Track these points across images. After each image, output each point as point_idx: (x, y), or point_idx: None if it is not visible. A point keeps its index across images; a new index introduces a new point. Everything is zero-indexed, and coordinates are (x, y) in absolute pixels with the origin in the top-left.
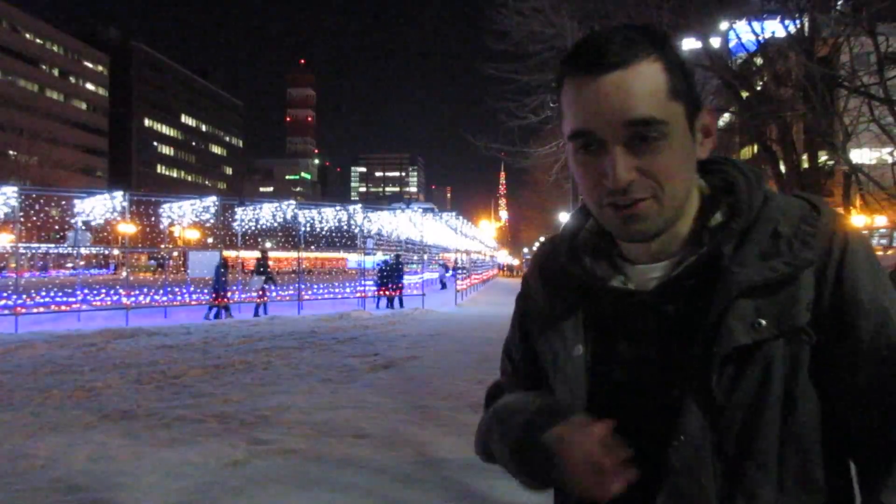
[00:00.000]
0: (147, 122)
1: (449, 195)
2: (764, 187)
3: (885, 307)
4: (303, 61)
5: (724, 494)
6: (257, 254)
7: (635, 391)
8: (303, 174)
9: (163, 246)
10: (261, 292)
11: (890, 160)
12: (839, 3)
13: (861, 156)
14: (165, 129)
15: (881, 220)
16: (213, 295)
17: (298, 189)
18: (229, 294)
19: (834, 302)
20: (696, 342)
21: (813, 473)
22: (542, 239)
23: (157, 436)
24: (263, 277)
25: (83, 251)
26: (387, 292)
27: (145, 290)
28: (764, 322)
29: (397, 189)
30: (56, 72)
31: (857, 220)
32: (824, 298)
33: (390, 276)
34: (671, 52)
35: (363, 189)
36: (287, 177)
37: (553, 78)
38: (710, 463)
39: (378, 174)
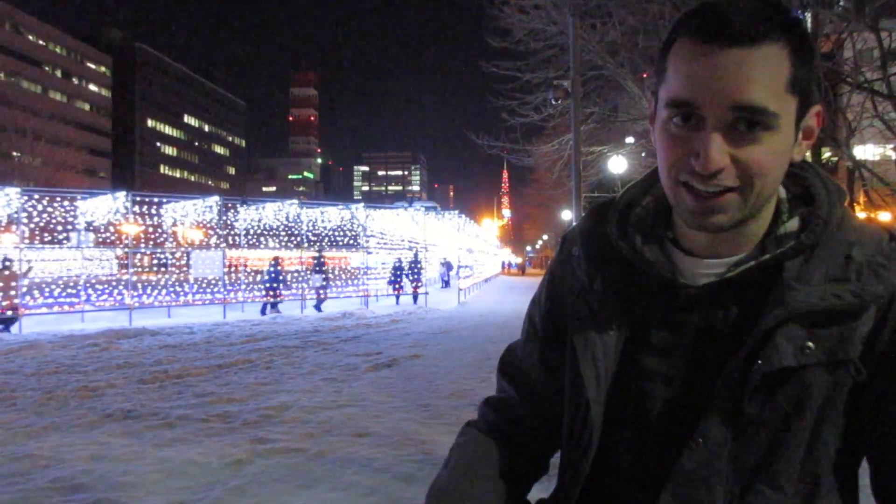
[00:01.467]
0: (150, 123)
1: (452, 194)
2: (843, 205)
3: None
4: (305, 61)
5: (735, 501)
6: (312, 253)
7: (662, 382)
8: (305, 173)
9: (167, 245)
10: (321, 289)
11: (894, 156)
12: None
13: (865, 152)
14: (168, 130)
15: (885, 217)
16: (267, 291)
17: (301, 188)
18: (281, 291)
19: (893, 342)
20: (739, 351)
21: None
22: (586, 205)
23: (160, 435)
24: (322, 276)
25: (87, 252)
26: (406, 288)
27: (149, 290)
28: (814, 347)
29: (400, 188)
30: (59, 73)
31: (861, 216)
32: (883, 335)
33: (412, 272)
34: (802, 38)
35: (366, 188)
36: (290, 176)
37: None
38: (724, 472)
39: (381, 173)
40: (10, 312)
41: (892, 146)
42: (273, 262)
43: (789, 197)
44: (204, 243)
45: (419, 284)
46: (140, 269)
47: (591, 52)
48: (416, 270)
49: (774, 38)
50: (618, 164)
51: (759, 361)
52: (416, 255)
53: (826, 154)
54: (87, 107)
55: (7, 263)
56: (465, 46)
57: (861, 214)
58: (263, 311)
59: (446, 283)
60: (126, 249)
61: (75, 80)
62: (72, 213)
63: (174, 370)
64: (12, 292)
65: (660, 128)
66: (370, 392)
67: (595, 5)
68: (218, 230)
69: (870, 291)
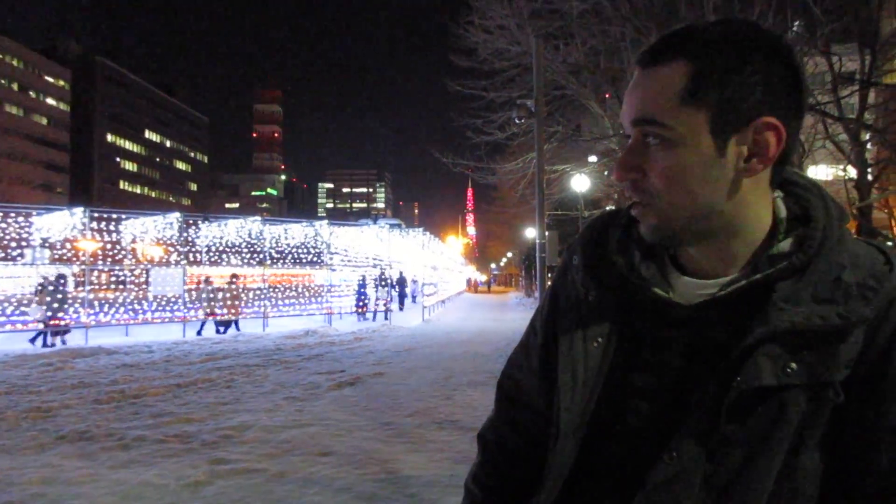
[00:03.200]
0: (110, 138)
1: (416, 211)
2: (843, 226)
3: None
4: (269, 77)
5: None
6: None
7: (648, 399)
8: (269, 190)
9: (126, 262)
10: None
11: (846, 176)
12: (795, 24)
13: (818, 172)
14: (129, 145)
15: None
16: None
17: (265, 205)
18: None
19: (877, 367)
20: (719, 368)
21: None
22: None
23: (115, 457)
24: (388, 288)
25: (42, 269)
26: (371, 306)
27: (106, 307)
28: (796, 367)
29: (365, 205)
30: (15, 86)
31: None
32: (867, 360)
33: (396, 288)
34: (712, 54)
35: (330, 205)
36: (253, 193)
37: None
38: (694, 490)
39: (345, 190)
40: None
41: (842, 167)
42: (361, 281)
43: (789, 217)
44: (164, 260)
45: (390, 301)
46: (97, 287)
47: (554, 73)
48: (386, 287)
49: (676, 56)
50: (581, 183)
51: (738, 379)
52: (382, 273)
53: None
54: (44, 121)
55: None
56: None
57: None
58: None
59: (402, 301)
60: (83, 266)
61: (32, 94)
62: (27, 229)
63: (131, 390)
64: None
65: None
66: (333, 411)
67: (558, 27)
68: (178, 247)
69: (857, 314)
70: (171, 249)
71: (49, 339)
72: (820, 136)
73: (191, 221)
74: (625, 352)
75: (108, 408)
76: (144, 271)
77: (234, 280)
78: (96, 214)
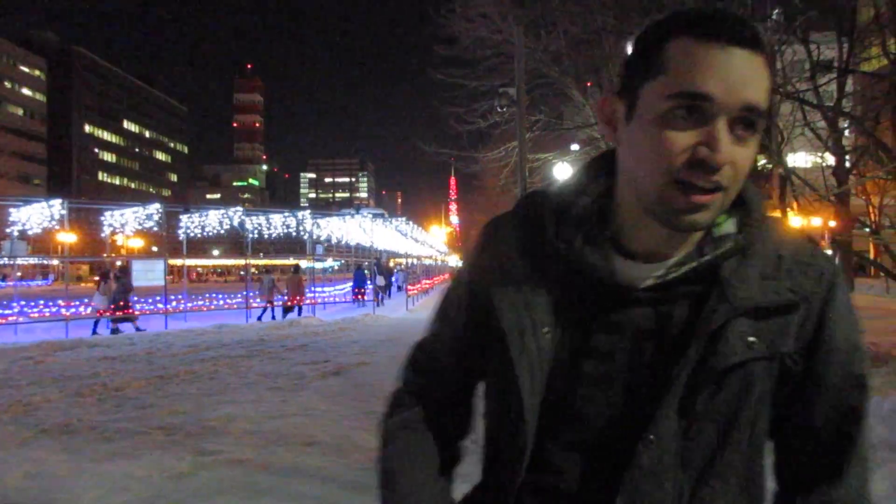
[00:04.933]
0: (88, 129)
1: (399, 200)
2: (767, 208)
3: (857, 347)
4: (250, 66)
5: (684, 499)
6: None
7: (601, 385)
8: (251, 180)
9: (104, 255)
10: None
11: (824, 164)
12: (774, 12)
13: (797, 160)
14: (107, 136)
15: (816, 221)
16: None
17: (246, 196)
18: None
19: (816, 335)
20: (688, 350)
21: (757, 486)
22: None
23: (98, 450)
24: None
25: (20, 261)
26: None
27: (86, 300)
28: (757, 341)
29: (347, 195)
30: None
31: (794, 221)
32: (806, 330)
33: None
34: (769, 51)
35: (313, 195)
36: (234, 183)
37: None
38: (672, 470)
39: (328, 180)
40: None
41: (820, 154)
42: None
43: None
44: (145, 251)
45: (388, 289)
46: (78, 280)
47: (536, 61)
48: (383, 275)
49: (763, 49)
50: (563, 171)
51: (712, 358)
52: (377, 262)
53: (761, 162)
54: (20, 111)
55: None
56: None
57: (795, 219)
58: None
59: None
60: (62, 259)
61: (8, 84)
62: (4, 221)
63: (113, 383)
64: None
65: (652, 122)
66: (318, 401)
67: (540, 15)
68: (160, 238)
69: (803, 289)
70: (153, 241)
71: (111, 326)
72: (799, 124)
73: (172, 212)
74: (574, 339)
75: (90, 401)
76: (126, 263)
77: (296, 270)
78: (74, 206)
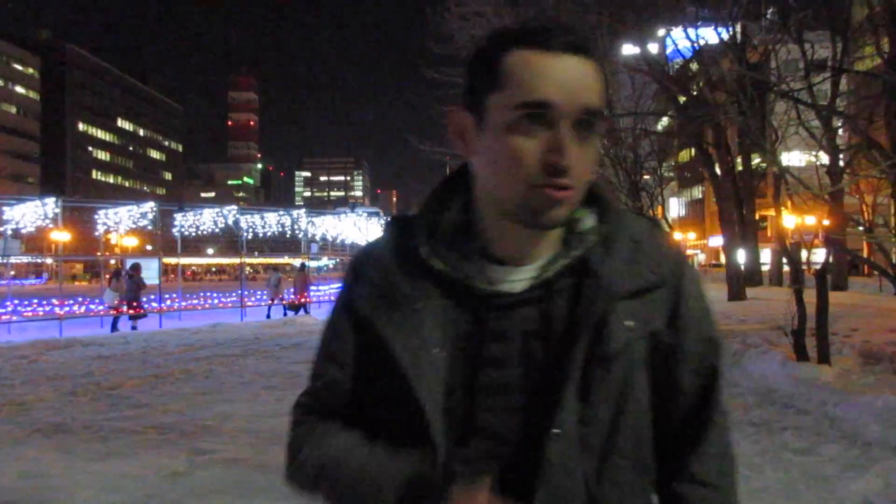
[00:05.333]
0: (82, 127)
1: (395, 199)
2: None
3: (707, 311)
4: (244, 65)
5: (594, 484)
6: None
7: (500, 392)
8: (245, 179)
9: (98, 254)
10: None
11: (818, 162)
12: (768, 12)
13: (791, 158)
14: (101, 134)
15: (810, 220)
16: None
17: (241, 194)
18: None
19: (675, 309)
20: (577, 342)
21: (647, 456)
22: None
23: (93, 449)
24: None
25: (13, 260)
26: None
27: (80, 299)
28: (634, 324)
29: (342, 193)
30: None
31: (789, 220)
32: (669, 306)
33: None
34: (601, 57)
35: (308, 194)
36: (229, 182)
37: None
38: (577, 457)
39: (323, 178)
40: None
41: (814, 153)
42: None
43: None
44: (139, 250)
45: None
46: (71, 278)
47: None
48: None
49: (593, 54)
50: None
51: (599, 347)
52: None
53: (756, 161)
54: (13, 109)
55: None
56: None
57: (790, 217)
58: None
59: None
60: (56, 258)
61: (1, 82)
62: None
63: (107, 382)
64: None
65: (502, 132)
66: None
67: (534, 13)
68: (155, 237)
69: (663, 269)
70: (147, 239)
71: (121, 324)
72: (793, 123)
73: (166, 211)
74: (467, 352)
75: (84, 400)
76: (119, 262)
77: (303, 268)
78: (69, 204)
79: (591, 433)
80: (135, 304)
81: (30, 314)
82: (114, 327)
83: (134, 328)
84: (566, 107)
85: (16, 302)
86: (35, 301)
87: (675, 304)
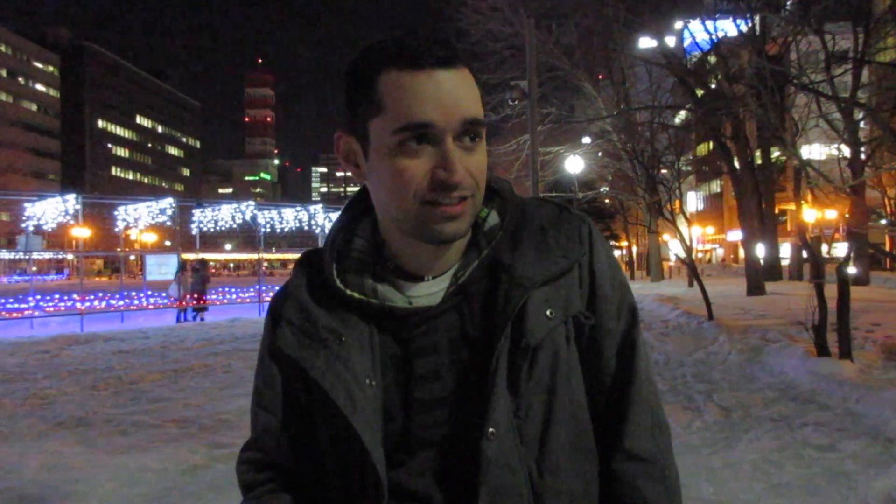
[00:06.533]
0: (101, 124)
1: None
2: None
3: (623, 283)
4: (261, 61)
5: (536, 477)
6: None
7: (438, 406)
8: (262, 175)
9: (118, 249)
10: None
11: (839, 155)
12: (788, 3)
13: (812, 151)
14: (120, 131)
15: (830, 214)
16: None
17: (258, 190)
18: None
19: (591, 288)
20: (499, 339)
21: (588, 441)
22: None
23: (114, 442)
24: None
25: (35, 256)
26: None
27: (100, 294)
28: (552, 312)
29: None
30: (4, 72)
31: (809, 213)
32: (585, 286)
33: None
34: (473, 64)
35: (324, 189)
36: (246, 177)
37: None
38: (516, 452)
39: (339, 174)
40: None
41: (836, 146)
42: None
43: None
44: (158, 246)
45: None
46: (92, 274)
47: (547, 54)
48: None
49: (463, 62)
50: (574, 164)
51: (522, 340)
52: None
53: (775, 154)
54: (34, 107)
55: None
56: None
57: (810, 211)
58: (185, 318)
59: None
60: (77, 254)
61: (21, 80)
62: (19, 216)
63: (128, 376)
64: None
65: (390, 157)
66: None
67: (551, 7)
68: (173, 232)
69: (574, 253)
70: (165, 235)
71: (187, 316)
72: (813, 115)
73: (185, 207)
74: (398, 374)
75: (105, 394)
76: (139, 257)
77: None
78: (89, 201)
79: (526, 426)
80: (200, 296)
81: (51, 309)
82: (182, 318)
83: (202, 319)
84: (447, 123)
85: (38, 297)
86: (56, 296)
87: (591, 283)
